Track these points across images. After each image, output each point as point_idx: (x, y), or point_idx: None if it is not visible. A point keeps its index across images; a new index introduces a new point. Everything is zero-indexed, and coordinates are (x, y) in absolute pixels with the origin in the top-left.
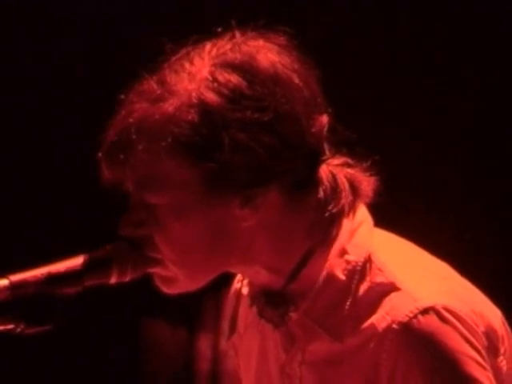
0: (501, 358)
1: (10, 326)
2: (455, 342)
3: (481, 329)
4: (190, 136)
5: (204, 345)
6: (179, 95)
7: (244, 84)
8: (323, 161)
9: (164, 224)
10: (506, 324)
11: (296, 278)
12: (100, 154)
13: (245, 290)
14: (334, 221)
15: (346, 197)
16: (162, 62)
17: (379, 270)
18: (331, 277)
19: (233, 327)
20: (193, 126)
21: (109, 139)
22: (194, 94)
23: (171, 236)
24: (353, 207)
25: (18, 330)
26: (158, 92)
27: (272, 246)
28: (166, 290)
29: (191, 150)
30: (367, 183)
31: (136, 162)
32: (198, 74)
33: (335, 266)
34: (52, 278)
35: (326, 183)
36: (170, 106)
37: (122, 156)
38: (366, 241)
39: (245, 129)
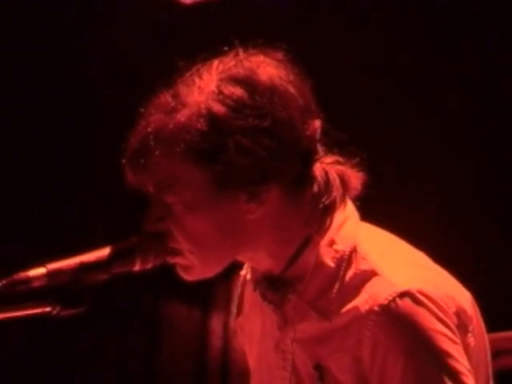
0: (469, 334)
1: (48, 309)
2: (428, 320)
3: (452, 309)
4: (200, 142)
5: (216, 323)
6: (190, 106)
7: (246, 95)
8: (317, 159)
9: (181, 219)
10: (476, 305)
11: (294, 264)
12: (124, 161)
13: (249, 277)
14: (328, 211)
15: (336, 190)
16: (177, 78)
17: (363, 258)
18: (321, 264)
19: (239, 309)
20: (202, 133)
21: (130, 147)
22: (202, 106)
23: (187, 229)
24: (343, 199)
25: (54, 312)
26: (172, 104)
27: (274, 235)
28: (185, 276)
29: (202, 154)
30: (355, 178)
31: (154, 166)
32: (206, 87)
33: (325, 254)
34: (84, 267)
35: (319, 179)
36: (182, 116)
37: (142, 161)
38: (351, 233)
39: (247, 134)
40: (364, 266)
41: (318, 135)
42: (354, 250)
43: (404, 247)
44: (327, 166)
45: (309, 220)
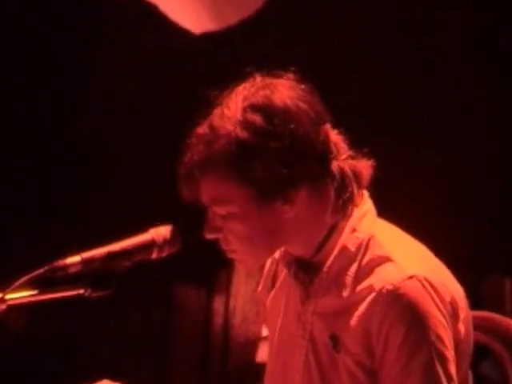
0: (460, 323)
1: (81, 291)
2: (429, 305)
3: (448, 299)
4: (234, 165)
5: (218, 304)
6: (225, 135)
7: (265, 121)
8: (332, 159)
9: (231, 227)
10: (466, 298)
11: (321, 250)
12: (179, 185)
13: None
14: (348, 201)
15: (351, 183)
16: (212, 106)
17: (379, 246)
18: (344, 247)
19: (273, 285)
20: (235, 158)
21: (180, 175)
22: (233, 134)
23: (238, 234)
24: (359, 189)
25: (86, 294)
26: (209, 136)
27: (307, 226)
28: (242, 267)
29: (237, 175)
30: (365, 169)
31: (202, 189)
32: (233, 116)
33: (347, 240)
34: (111, 256)
35: (337, 176)
36: (218, 146)
37: (192, 185)
38: (370, 225)
39: (272, 152)
40: (379, 252)
41: (330, 137)
42: (371, 238)
43: (411, 240)
44: (341, 163)
45: (334, 211)
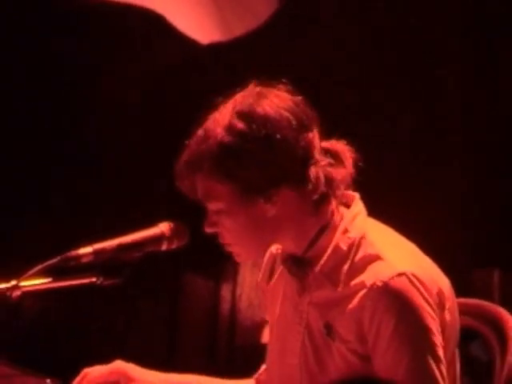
0: (446, 311)
1: (93, 280)
2: (417, 298)
3: (434, 291)
4: (218, 164)
5: (225, 291)
6: (212, 138)
7: (246, 126)
8: (311, 164)
9: (222, 221)
10: (452, 289)
11: (312, 247)
12: (176, 182)
13: (276, 253)
14: (320, 204)
15: (321, 188)
16: (209, 111)
17: (370, 244)
18: (337, 247)
19: (270, 277)
20: (217, 157)
21: (177, 173)
22: (219, 137)
23: (228, 228)
24: (333, 193)
25: (98, 282)
26: (201, 137)
27: (293, 225)
28: (237, 260)
29: (220, 173)
30: (339, 176)
31: (194, 184)
32: (222, 121)
33: (340, 240)
34: (122, 247)
35: (312, 179)
36: (205, 145)
37: (185, 182)
38: (361, 225)
39: (252, 154)
40: (370, 251)
41: (313, 144)
42: (363, 238)
43: (400, 238)
44: (318, 169)
45: (314, 211)
